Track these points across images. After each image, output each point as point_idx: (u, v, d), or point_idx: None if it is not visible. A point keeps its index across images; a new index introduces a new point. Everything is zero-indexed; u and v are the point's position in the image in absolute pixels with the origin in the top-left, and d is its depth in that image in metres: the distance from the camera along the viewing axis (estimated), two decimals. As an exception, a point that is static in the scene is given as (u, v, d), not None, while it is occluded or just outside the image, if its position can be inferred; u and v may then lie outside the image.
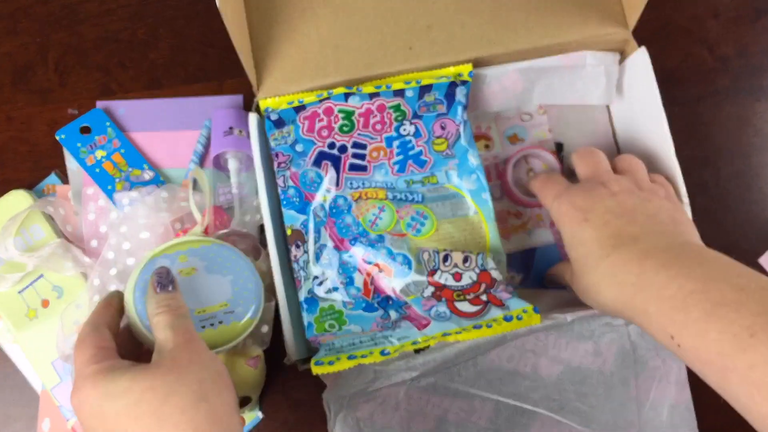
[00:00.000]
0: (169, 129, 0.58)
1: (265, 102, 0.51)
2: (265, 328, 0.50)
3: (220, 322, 0.44)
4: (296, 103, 0.50)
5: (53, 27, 0.61)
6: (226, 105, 0.58)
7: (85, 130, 0.57)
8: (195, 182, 0.55)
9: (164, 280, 0.41)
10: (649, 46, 0.50)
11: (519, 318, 0.44)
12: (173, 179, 0.57)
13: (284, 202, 0.49)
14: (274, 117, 0.50)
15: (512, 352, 0.51)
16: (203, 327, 0.43)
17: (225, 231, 0.52)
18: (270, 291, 0.49)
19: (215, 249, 0.47)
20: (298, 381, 0.54)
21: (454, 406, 0.51)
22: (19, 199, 0.56)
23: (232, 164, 0.55)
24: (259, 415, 0.53)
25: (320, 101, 0.50)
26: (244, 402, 0.50)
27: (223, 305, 0.45)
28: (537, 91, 0.55)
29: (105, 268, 0.52)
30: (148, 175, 0.56)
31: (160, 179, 0.56)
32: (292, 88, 0.52)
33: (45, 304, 0.54)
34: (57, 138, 0.57)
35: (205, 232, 0.50)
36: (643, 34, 0.52)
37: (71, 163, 0.57)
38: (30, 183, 0.58)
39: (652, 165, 0.51)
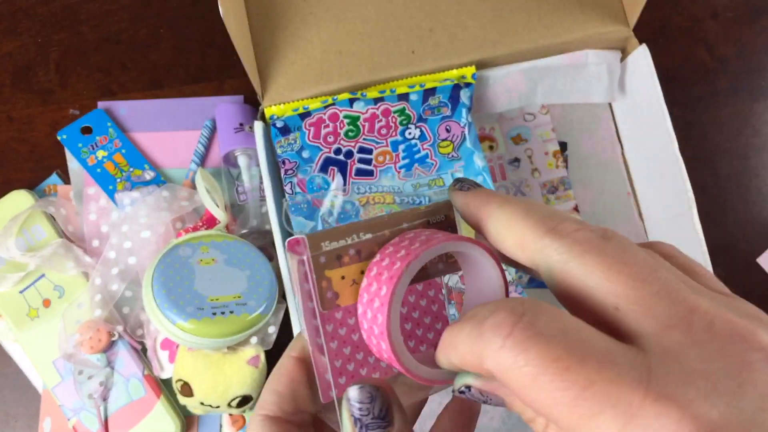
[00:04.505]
0: (169, 129, 0.58)
1: (270, 110, 0.51)
2: (271, 329, 0.50)
3: (231, 312, 0.45)
4: (301, 110, 0.51)
5: (54, 27, 0.61)
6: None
7: (87, 131, 0.57)
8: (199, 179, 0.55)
9: (366, 416, 0.21)
10: (648, 46, 0.51)
11: None
12: (174, 179, 0.57)
13: (292, 209, 0.49)
14: (279, 124, 0.50)
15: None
16: (214, 314, 0.44)
17: (246, 231, 0.53)
18: (281, 296, 0.50)
19: (237, 245, 0.49)
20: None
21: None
22: (20, 199, 0.56)
23: (243, 161, 0.55)
24: (260, 414, 0.54)
25: (325, 107, 0.51)
26: (244, 401, 0.50)
27: (236, 296, 0.46)
28: (540, 91, 0.55)
29: (106, 268, 0.52)
30: (149, 175, 0.57)
31: (161, 179, 0.57)
32: (296, 94, 0.52)
33: (46, 303, 0.54)
34: (58, 138, 0.57)
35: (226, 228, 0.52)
36: (642, 35, 0.52)
37: (72, 163, 0.57)
38: (31, 183, 0.58)
39: (656, 162, 0.51)
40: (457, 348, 0.20)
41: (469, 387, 0.22)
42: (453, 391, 0.23)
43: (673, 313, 0.17)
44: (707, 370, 0.16)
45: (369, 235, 0.23)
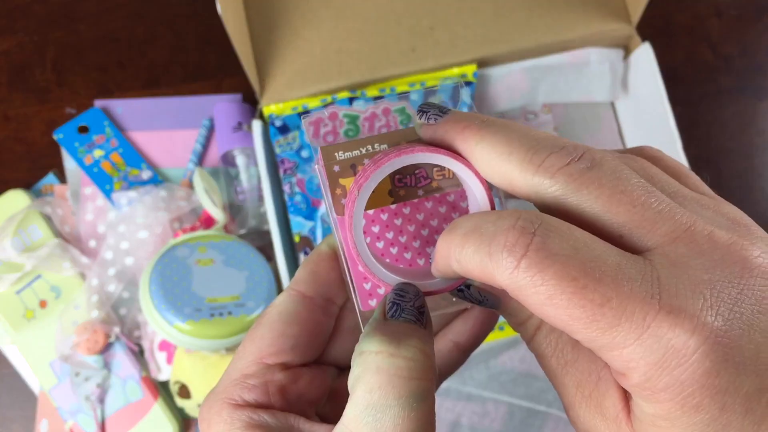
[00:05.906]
0: (167, 128, 0.58)
1: (268, 108, 0.51)
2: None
3: (230, 313, 0.44)
4: (300, 109, 0.50)
5: (51, 26, 0.61)
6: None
7: (83, 130, 0.57)
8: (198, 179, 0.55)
9: (406, 302, 0.22)
10: (651, 44, 0.50)
11: None
12: (171, 178, 0.57)
13: (291, 209, 0.49)
14: (278, 123, 0.50)
15: (524, 353, 0.51)
16: (212, 315, 0.44)
17: (244, 231, 0.53)
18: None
19: (235, 245, 0.48)
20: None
21: (467, 409, 0.51)
22: (16, 199, 0.55)
23: (241, 160, 0.55)
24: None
25: (324, 106, 0.50)
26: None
27: (235, 298, 0.45)
28: (542, 89, 0.55)
29: (103, 268, 0.52)
30: (146, 174, 0.56)
31: (158, 179, 0.56)
32: (295, 93, 0.51)
33: (43, 304, 0.53)
34: (55, 137, 0.56)
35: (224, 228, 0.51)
36: (644, 33, 0.51)
37: (69, 162, 0.56)
38: (28, 183, 0.57)
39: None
40: (462, 263, 0.20)
41: (468, 286, 0.22)
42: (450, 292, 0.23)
43: (676, 228, 0.18)
44: (711, 279, 0.17)
45: (384, 146, 0.24)
